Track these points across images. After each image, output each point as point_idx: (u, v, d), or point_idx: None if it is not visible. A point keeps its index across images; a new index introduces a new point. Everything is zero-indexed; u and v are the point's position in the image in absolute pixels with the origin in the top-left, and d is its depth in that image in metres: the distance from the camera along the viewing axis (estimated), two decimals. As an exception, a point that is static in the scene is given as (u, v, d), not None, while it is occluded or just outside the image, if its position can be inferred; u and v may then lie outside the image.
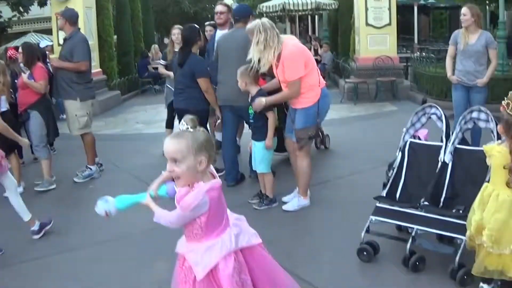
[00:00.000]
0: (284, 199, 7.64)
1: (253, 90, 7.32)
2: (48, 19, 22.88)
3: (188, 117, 3.41)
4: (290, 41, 7.17)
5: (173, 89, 9.39)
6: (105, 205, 3.58)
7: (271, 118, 7.27)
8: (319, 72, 7.31)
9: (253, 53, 6.95)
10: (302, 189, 7.49)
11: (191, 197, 3.29)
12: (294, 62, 6.91)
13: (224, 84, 8.25)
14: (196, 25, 9.05)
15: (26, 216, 6.80)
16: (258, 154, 7.42)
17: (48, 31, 24.97)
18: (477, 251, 4.90)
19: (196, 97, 8.33)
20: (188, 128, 3.34)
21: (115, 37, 22.21)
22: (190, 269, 3.45)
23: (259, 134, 7.41)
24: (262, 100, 7.12)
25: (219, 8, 9.59)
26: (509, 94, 4.68)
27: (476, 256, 4.90)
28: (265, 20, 7.05)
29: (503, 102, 4.66)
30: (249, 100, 7.42)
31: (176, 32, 10.59)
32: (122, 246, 6.62)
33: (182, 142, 3.29)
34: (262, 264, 3.66)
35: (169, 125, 10.29)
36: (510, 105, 4.59)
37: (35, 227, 6.89)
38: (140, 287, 5.49)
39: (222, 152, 8.74)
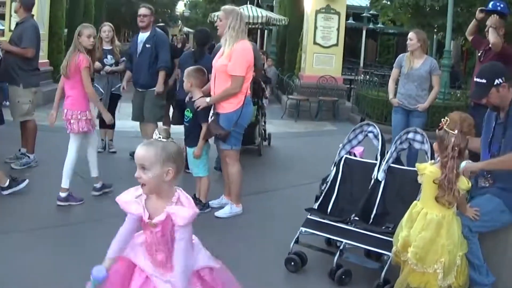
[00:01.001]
0: (212, 203, 7.69)
1: (197, 93, 7.24)
2: (2, 4, 22.48)
3: (161, 127, 3.47)
4: (248, 43, 7.26)
5: (100, 89, 10.33)
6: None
7: (204, 128, 7.21)
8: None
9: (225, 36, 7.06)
10: (233, 197, 7.51)
11: (186, 208, 3.36)
12: (243, 58, 6.98)
13: None
14: (207, 29, 10.34)
15: (94, 172, 7.92)
16: (190, 158, 7.43)
17: (1, 16, 24.56)
18: (402, 267, 4.99)
19: None
20: (160, 137, 3.37)
21: (66, 30, 21.93)
22: None
23: (191, 140, 7.40)
24: (206, 99, 7.11)
25: (142, 11, 9.57)
26: (450, 114, 4.83)
27: (400, 272, 4.99)
28: (243, 13, 7.03)
29: (443, 119, 4.79)
30: (187, 102, 7.49)
31: (106, 29, 10.55)
32: (54, 235, 6.55)
33: (151, 151, 3.32)
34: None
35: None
36: (448, 122, 4.72)
37: (98, 185, 7.98)
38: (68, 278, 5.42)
39: None
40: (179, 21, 51.67)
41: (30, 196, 7.69)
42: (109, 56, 10.48)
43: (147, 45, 9.42)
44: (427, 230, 4.78)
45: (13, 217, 6.98)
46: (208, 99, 7.14)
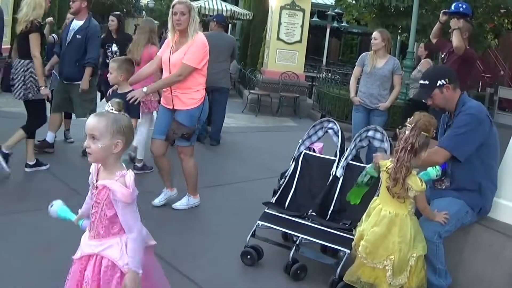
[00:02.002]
0: (155, 202, 7.35)
1: (126, 87, 7.02)
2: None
3: (114, 100, 3.46)
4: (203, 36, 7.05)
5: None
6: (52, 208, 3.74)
7: (134, 124, 6.37)
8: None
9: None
10: (191, 189, 7.41)
11: (127, 190, 3.34)
12: (201, 51, 6.84)
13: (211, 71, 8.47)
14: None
15: (140, 155, 8.99)
16: None
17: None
18: (355, 259, 5.03)
19: None
20: (112, 110, 3.39)
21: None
22: (112, 266, 3.41)
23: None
24: (143, 90, 6.76)
25: None
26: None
27: (353, 264, 5.03)
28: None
29: (398, 128, 4.88)
30: (109, 95, 7.13)
31: (110, 19, 10.51)
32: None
33: (102, 121, 3.34)
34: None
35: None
36: (410, 118, 4.82)
37: (140, 164, 8.94)
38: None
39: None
40: (144, 12, 51.30)
41: None
42: (114, 45, 10.26)
43: (77, 36, 8.87)
44: (379, 226, 4.83)
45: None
46: (145, 89, 6.82)
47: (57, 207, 3.79)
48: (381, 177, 5.02)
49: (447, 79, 5.18)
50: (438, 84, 5.16)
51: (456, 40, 8.16)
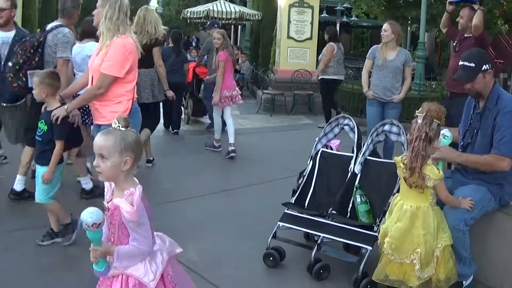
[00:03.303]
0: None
1: (52, 103, 6.04)
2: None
3: (120, 116, 3.44)
4: (132, 39, 5.98)
5: None
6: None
7: (58, 146, 5.92)
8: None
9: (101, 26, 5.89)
10: None
11: (132, 208, 3.29)
12: (121, 56, 5.81)
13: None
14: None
15: (217, 135, 11.10)
16: (37, 179, 6.04)
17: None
18: (380, 257, 4.99)
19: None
20: (119, 126, 3.36)
21: (38, 30, 21.75)
22: (140, 285, 3.43)
23: (43, 158, 6.01)
24: (63, 108, 5.94)
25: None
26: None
27: (379, 262, 4.99)
28: (126, 1, 5.96)
29: (414, 119, 4.83)
30: (42, 112, 6.14)
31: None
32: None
33: (110, 140, 3.32)
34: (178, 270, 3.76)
35: None
36: (420, 109, 4.82)
37: (216, 144, 11.05)
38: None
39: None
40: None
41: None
42: None
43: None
44: (402, 221, 4.81)
45: None
46: (66, 106, 5.98)
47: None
48: (398, 173, 4.99)
49: (489, 64, 5.14)
50: (483, 69, 5.09)
51: (477, 19, 8.01)
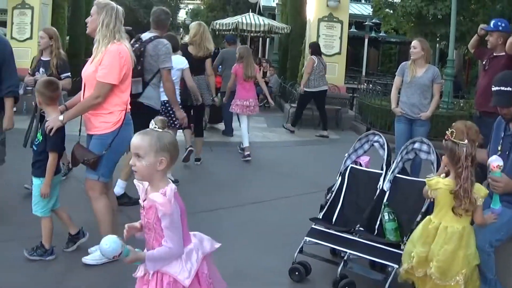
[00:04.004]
0: (91, 250, 6.08)
1: (50, 112, 5.86)
2: (4, 11, 22.47)
3: (158, 118, 3.55)
4: (126, 47, 5.89)
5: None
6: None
7: (51, 157, 5.78)
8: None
9: (97, 35, 5.83)
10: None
11: (164, 198, 3.40)
12: (117, 63, 5.70)
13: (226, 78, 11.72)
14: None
15: (245, 142, 11.64)
16: (35, 192, 5.91)
17: (2, 23, 24.57)
18: (418, 284, 4.95)
19: None
20: (156, 127, 3.47)
21: (67, 37, 21.90)
22: (174, 282, 3.50)
23: (38, 169, 5.90)
24: (59, 118, 5.74)
25: None
26: (454, 124, 4.78)
27: (417, 286, 4.96)
28: (121, 8, 5.92)
29: (447, 131, 4.75)
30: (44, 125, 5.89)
31: (40, 35, 8.93)
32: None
33: (146, 140, 3.44)
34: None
35: None
36: (454, 133, 4.67)
37: (246, 152, 11.48)
38: None
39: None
40: (181, 30, 51.60)
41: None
42: (41, 70, 8.53)
43: None
44: (450, 243, 4.71)
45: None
46: (61, 117, 5.76)
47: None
48: (431, 195, 4.90)
49: None
50: None
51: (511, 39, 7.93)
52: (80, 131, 5.97)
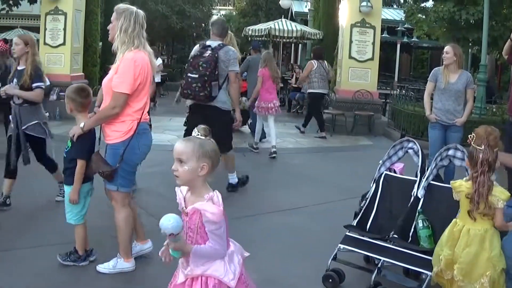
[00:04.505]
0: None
1: (82, 119, 5.87)
2: (37, 17, 22.73)
3: (201, 126, 3.65)
4: (145, 54, 5.78)
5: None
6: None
7: (79, 165, 5.78)
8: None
9: (116, 41, 5.74)
10: (121, 249, 5.97)
11: (215, 206, 3.50)
12: (131, 71, 5.57)
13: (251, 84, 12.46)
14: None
15: (273, 141, 12.70)
16: (67, 199, 5.95)
17: (35, 29, 24.86)
18: (447, 287, 4.93)
19: None
20: (199, 135, 3.59)
21: (100, 43, 22.10)
22: (219, 284, 3.59)
23: (67, 176, 5.97)
24: (80, 126, 5.76)
25: None
26: (476, 129, 4.81)
27: None
28: (142, 13, 5.84)
29: (469, 135, 4.82)
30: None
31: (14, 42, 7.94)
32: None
33: (189, 146, 3.54)
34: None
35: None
36: (474, 138, 4.73)
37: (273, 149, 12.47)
38: None
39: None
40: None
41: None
42: (14, 80, 7.81)
43: None
44: (472, 246, 4.74)
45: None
46: (82, 124, 5.77)
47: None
48: (455, 198, 4.97)
49: None
50: None
51: None
52: (99, 139, 5.94)
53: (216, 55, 8.50)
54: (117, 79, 5.56)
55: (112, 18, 5.76)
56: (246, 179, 9.76)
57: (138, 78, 5.59)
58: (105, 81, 5.76)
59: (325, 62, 16.58)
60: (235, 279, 3.58)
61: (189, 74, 8.53)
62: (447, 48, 9.10)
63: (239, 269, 3.64)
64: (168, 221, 3.39)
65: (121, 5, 5.78)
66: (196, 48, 9.04)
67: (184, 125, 9.34)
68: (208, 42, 8.89)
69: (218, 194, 3.56)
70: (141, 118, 5.74)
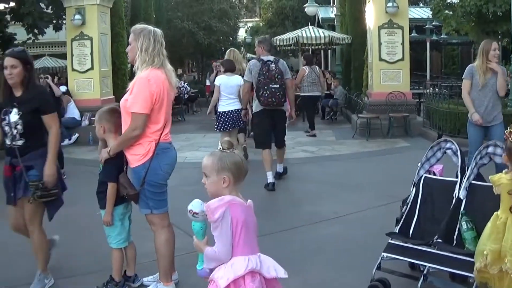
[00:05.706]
0: (146, 280, 6.13)
1: (111, 140, 5.75)
2: (63, 43, 22.91)
3: (225, 139, 3.94)
4: (163, 72, 5.65)
5: None
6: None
7: (109, 188, 5.64)
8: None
9: (137, 61, 5.65)
10: (161, 273, 5.86)
11: (215, 202, 3.72)
12: (145, 89, 5.43)
13: None
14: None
15: None
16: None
17: (63, 56, 25.08)
18: (494, 282, 4.78)
19: None
20: (221, 149, 3.81)
21: (129, 65, 22.23)
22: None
23: (102, 201, 5.79)
24: (106, 150, 5.65)
25: None
26: None
27: (493, 285, 4.80)
28: (159, 31, 5.76)
29: (506, 131, 4.76)
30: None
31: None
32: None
33: (210, 160, 3.80)
34: None
35: None
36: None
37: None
38: None
39: None
40: (242, 48, 52.07)
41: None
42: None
43: None
44: None
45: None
46: (108, 149, 5.65)
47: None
48: (496, 192, 4.84)
49: None
50: None
51: None
52: (126, 161, 5.77)
53: (278, 68, 10.36)
54: (132, 99, 5.45)
55: (130, 40, 5.71)
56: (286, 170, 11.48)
57: (153, 96, 5.43)
58: (122, 101, 5.62)
59: (316, 67, 19.09)
60: (226, 282, 3.64)
61: (271, 85, 10.19)
62: (495, 44, 8.93)
63: (232, 276, 3.65)
64: (190, 204, 3.84)
65: (138, 26, 5.74)
66: (256, 63, 10.51)
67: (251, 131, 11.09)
68: (264, 58, 10.52)
69: (227, 198, 3.73)
70: (159, 139, 5.58)
